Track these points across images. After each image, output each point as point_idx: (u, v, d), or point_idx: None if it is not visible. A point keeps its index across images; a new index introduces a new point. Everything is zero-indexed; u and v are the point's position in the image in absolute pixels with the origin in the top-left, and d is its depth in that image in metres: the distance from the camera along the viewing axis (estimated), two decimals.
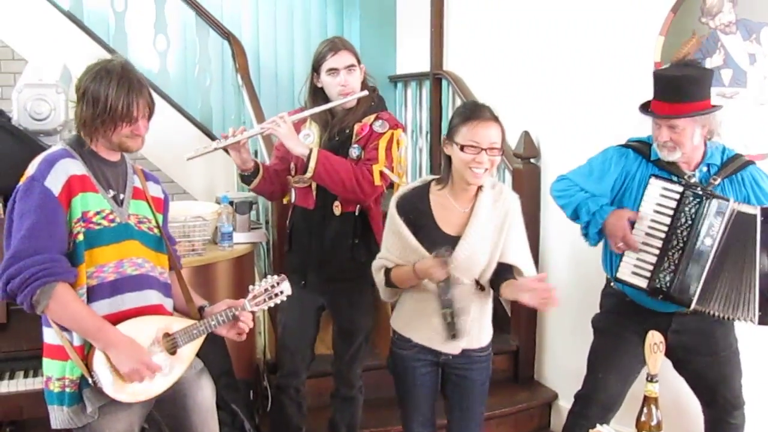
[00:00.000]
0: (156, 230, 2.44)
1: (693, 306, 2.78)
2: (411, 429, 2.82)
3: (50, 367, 2.29)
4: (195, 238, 3.45)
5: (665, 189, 2.82)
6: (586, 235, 3.02)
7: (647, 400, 2.21)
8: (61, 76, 3.32)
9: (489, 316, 2.77)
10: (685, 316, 2.90)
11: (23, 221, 2.17)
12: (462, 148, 2.50)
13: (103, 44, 4.52)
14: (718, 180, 2.86)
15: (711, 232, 2.75)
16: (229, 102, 5.44)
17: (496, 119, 2.55)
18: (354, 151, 3.04)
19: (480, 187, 2.64)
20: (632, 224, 2.86)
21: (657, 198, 2.83)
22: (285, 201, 3.41)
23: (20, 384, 2.68)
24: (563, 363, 4.18)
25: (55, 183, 2.20)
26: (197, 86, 5.13)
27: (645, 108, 2.90)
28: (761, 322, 2.77)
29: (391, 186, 3.14)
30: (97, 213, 2.27)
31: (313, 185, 3.07)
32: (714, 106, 2.83)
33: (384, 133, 3.05)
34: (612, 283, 3.10)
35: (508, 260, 2.64)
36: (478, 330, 2.70)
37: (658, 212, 2.83)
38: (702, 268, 2.77)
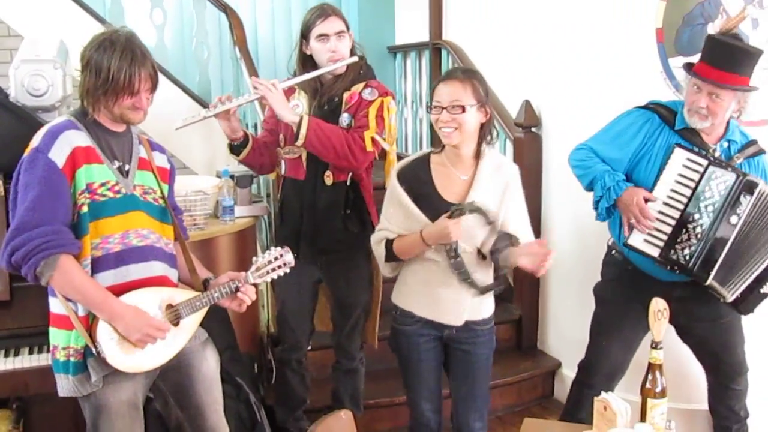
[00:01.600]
0: (161, 201, 2.44)
1: (708, 281, 2.80)
2: (418, 405, 2.81)
3: (56, 336, 2.31)
4: (196, 212, 3.44)
5: (689, 160, 2.80)
6: (596, 208, 3.01)
7: (652, 367, 2.22)
8: (58, 52, 3.29)
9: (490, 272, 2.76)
10: (687, 283, 2.90)
11: (27, 193, 2.17)
12: (429, 109, 2.58)
13: (100, 18, 4.47)
14: (741, 159, 2.87)
15: (738, 210, 2.75)
16: (227, 75, 5.41)
17: (461, 78, 2.56)
18: (344, 119, 3.03)
19: (480, 156, 2.65)
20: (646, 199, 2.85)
21: (679, 168, 2.81)
22: (273, 176, 3.40)
23: (25, 360, 2.70)
24: (566, 332, 4.19)
25: (59, 155, 2.19)
26: (195, 60, 5.10)
27: (690, 68, 2.86)
28: (732, 303, 2.85)
29: (383, 156, 3.13)
30: (102, 184, 2.27)
31: (303, 156, 3.06)
32: (754, 87, 2.81)
33: (374, 100, 3.04)
34: (613, 251, 3.10)
35: (509, 230, 2.63)
36: (479, 301, 2.69)
37: (679, 182, 2.81)
38: (723, 246, 2.78)
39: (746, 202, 2.74)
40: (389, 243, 2.66)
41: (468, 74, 2.59)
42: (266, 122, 3.23)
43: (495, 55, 4.63)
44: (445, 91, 2.54)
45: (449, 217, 2.48)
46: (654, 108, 2.98)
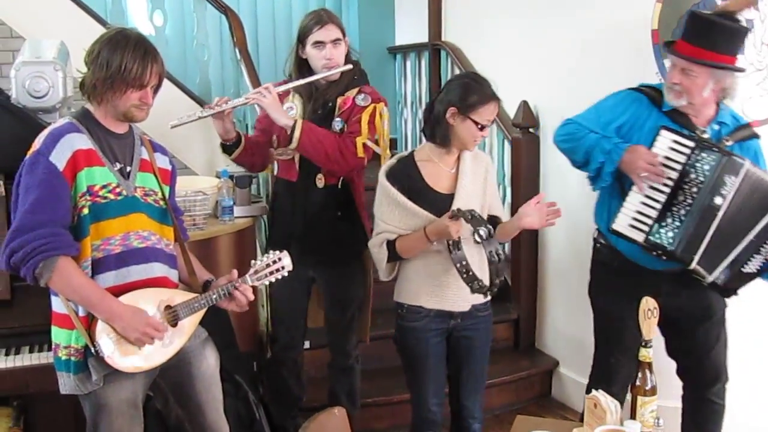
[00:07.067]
0: (162, 202, 2.46)
1: (693, 265, 2.71)
2: (425, 401, 2.85)
3: (58, 335, 2.34)
4: (196, 212, 3.47)
5: (676, 142, 2.72)
6: (596, 177, 2.90)
7: (642, 365, 2.23)
8: (59, 53, 3.32)
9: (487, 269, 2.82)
10: (676, 278, 2.83)
11: (28, 195, 2.20)
12: (481, 127, 2.68)
13: (101, 20, 4.50)
14: (731, 142, 2.79)
15: (722, 191, 2.64)
16: (228, 76, 5.42)
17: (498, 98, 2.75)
18: (337, 124, 3.07)
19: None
20: None
21: (666, 151, 2.73)
22: (267, 173, 3.50)
23: (26, 359, 2.72)
24: (564, 331, 4.22)
25: (59, 158, 2.22)
26: (195, 61, 5.12)
27: (669, 45, 2.81)
28: (711, 285, 2.76)
29: (377, 159, 3.15)
30: (104, 186, 2.29)
31: (296, 157, 3.10)
32: (736, 67, 2.72)
33: (366, 106, 3.08)
34: (598, 244, 3.03)
35: (494, 212, 2.84)
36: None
37: (665, 165, 2.72)
38: (708, 227, 2.68)
39: (731, 183, 2.63)
40: (390, 244, 2.72)
41: None
42: (259, 122, 3.28)
43: (493, 56, 4.65)
44: (492, 111, 2.69)
45: (450, 217, 2.58)
46: (643, 90, 2.93)
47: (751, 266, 2.75)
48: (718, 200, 2.65)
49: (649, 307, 2.27)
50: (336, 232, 3.13)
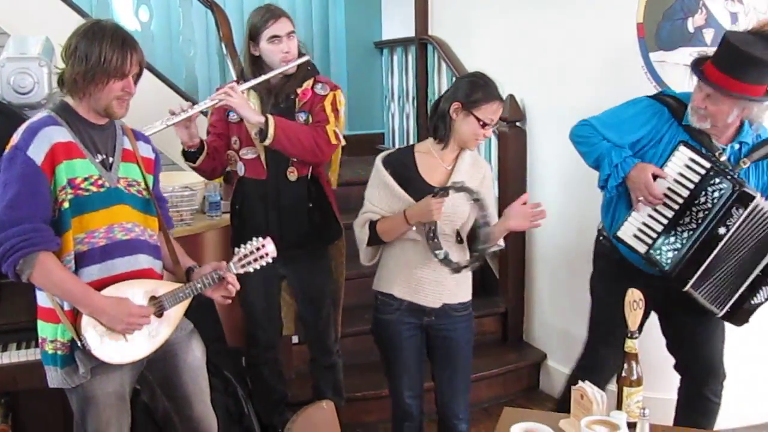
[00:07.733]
0: (145, 193, 2.44)
1: (687, 288, 2.73)
2: (399, 393, 2.88)
3: (44, 329, 2.34)
4: (183, 208, 3.47)
5: (692, 161, 2.69)
6: (603, 187, 2.90)
7: (628, 357, 2.23)
8: (44, 49, 3.31)
9: (468, 272, 2.85)
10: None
11: (6, 191, 2.18)
12: (483, 125, 2.68)
13: (86, 15, 4.47)
14: (748, 163, 2.77)
15: (728, 222, 2.64)
16: (214, 71, 5.42)
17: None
18: (301, 117, 3.08)
19: (460, 150, 2.81)
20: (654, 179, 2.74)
21: (681, 168, 2.71)
22: (219, 180, 3.49)
23: (14, 356, 2.72)
24: (552, 324, 4.24)
25: (37, 152, 2.20)
26: (182, 56, 5.12)
27: (697, 65, 2.73)
28: (724, 317, 2.79)
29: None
30: (85, 179, 2.27)
31: (262, 155, 3.08)
32: (764, 98, 2.66)
33: (326, 94, 3.10)
34: (601, 237, 3.04)
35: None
36: (456, 284, 2.80)
37: (678, 182, 2.71)
38: (707, 255, 2.69)
39: (738, 215, 2.62)
40: (373, 225, 2.75)
41: None
42: (213, 126, 3.19)
43: (480, 50, 4.66)
44: (495, 111, 2.70)
45: (434, 197, 2.59)
46: (665, 100, 2.89)
47: (760, 297, 2.77)
48: (721, 230, 2.66)
49: (634, 298, 2.27)
50: (310, 225, 3.14)
